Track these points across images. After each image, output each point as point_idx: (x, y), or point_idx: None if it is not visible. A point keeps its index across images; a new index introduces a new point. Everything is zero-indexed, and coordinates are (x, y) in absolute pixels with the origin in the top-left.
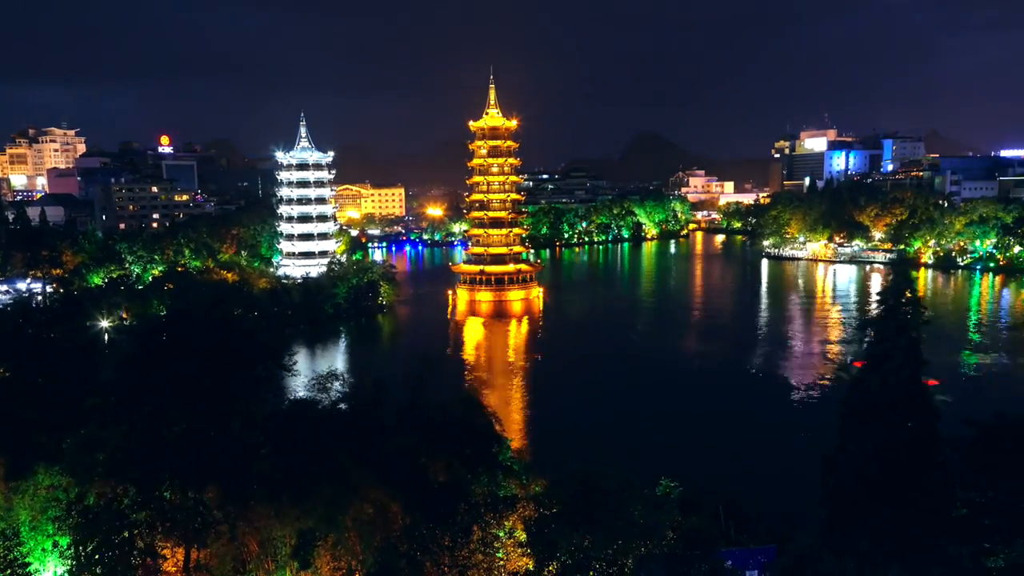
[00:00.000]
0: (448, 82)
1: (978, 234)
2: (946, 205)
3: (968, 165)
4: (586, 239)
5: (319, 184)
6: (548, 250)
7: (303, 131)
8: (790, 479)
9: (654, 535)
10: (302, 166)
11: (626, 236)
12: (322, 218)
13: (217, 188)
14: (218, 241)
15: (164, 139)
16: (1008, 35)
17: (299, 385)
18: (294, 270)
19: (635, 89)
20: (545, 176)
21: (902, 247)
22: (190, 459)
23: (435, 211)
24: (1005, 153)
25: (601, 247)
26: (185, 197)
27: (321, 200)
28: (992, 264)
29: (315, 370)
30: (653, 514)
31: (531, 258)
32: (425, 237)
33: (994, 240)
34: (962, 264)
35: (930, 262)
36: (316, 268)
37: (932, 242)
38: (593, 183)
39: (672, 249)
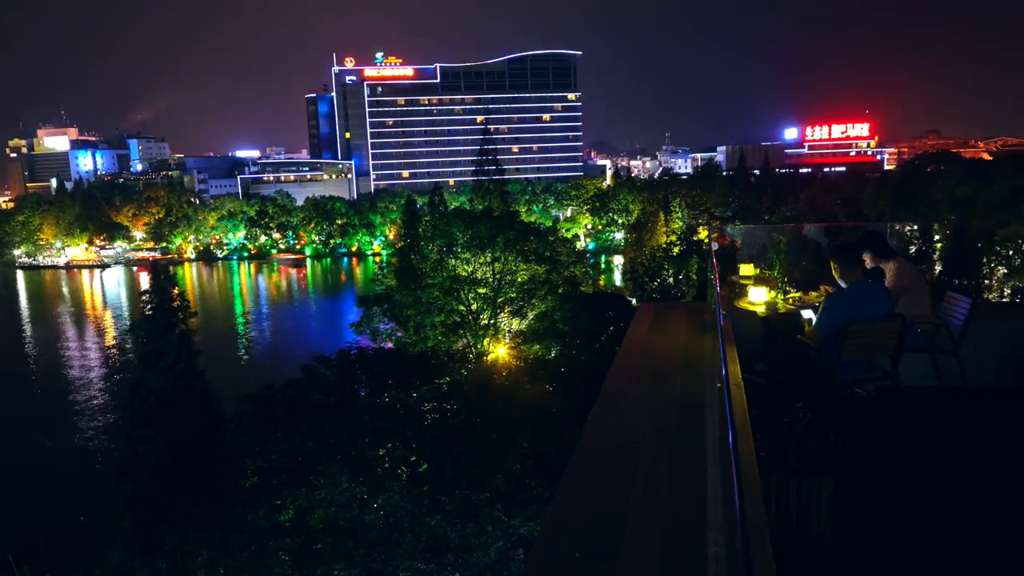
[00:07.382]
0: None
1: (230, 228)
2: (198, 202)
3: (211, 164)
4: None
5: None
6: None
7: None
8: (101, 495)
9: None
10: None
11: None
12: None
13: None
14: None
15: None
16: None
17: None
18: None
19: None
20: None
21: (164, 244)
22: None
23: None
24: (240, 154)
25: None
26: None
27: None
28: (246, 253)
29: None
30: None
31: None
32: None
33: (244, 232)
34: (221, 256)
35: (193, 256)
36: None
37: (192, 237)
38: None
39: None
